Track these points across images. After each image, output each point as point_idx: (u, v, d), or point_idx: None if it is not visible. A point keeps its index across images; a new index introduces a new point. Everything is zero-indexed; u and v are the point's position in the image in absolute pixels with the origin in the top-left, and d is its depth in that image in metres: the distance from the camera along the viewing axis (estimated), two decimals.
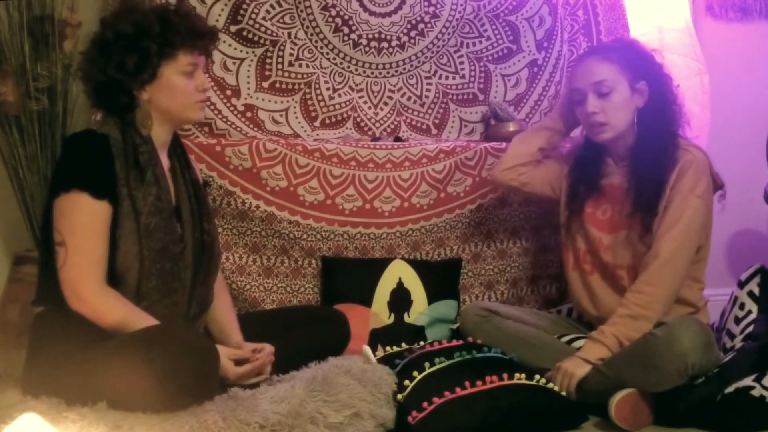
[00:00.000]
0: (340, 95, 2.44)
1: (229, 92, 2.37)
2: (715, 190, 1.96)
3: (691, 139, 2.00)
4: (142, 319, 1.54)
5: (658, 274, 1.85)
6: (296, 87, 2.41)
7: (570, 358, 1.84)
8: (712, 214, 1.96)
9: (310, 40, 2.42)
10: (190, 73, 1.66)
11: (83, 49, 1.68)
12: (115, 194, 1.57)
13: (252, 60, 2.38)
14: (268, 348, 1.70)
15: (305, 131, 2.42)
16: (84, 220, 1.55)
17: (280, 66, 2.39)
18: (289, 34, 2.40)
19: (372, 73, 2.47)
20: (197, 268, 1.68)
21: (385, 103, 2.49)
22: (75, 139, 1.64)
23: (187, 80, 1.65)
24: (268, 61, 2.38)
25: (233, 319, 1.79)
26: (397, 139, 2.41)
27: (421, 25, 2.48)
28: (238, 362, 1.65)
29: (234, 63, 2.37)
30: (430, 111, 2.51)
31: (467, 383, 1.71)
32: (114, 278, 1.57)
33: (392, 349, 1.99)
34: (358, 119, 2.45)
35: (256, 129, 2.38)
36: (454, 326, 2.14)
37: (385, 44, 2.46)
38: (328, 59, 2.44)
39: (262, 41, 2.37)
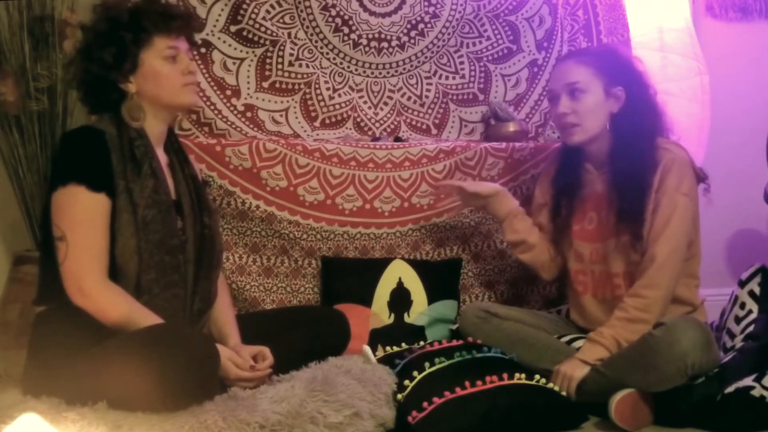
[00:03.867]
0: (340, 95, 2.44)
1: (229, 92, 2.37)
2: (698, 183, 1.95)
3: (678, 139, 1.99)
4: (144, 316, 1.54)
5: (655, 278, 1.85)
6: (296, 87, 2.41)
7: (568, 361, 1.84)
8: (698, 208, 1.95)
9: (310, 40, 2.42)
10: (173, 58, 1.67)
11: (70, 58, 1.73)
12: (112, 187, 1.58)
13: (252, 60, 2.38)
14: (269, 360, 1.70)
15: (305, 131, 2.42)
16: (83, 214, 1.55)
17: (280, 66, 2.39)
18: (289, 34, 2.40)
19: (372, 73, 2.47)
20: (199, 262, 1.68)
21: (385, 103, 2.49)
22: (71, 135, 1.65)
23: (171, 65, 1.67)
24: (268, 61, 2.38)
25: (232, 319, 1.79)
26: (397, 139, 2.41)
27: (421, 25, 2.48)
28: (239, 366, 1.65)
29: (234, 63, 2.37)
30: (430, 111, 2.51)
31: (467, 383, 1.70)
32: (113, 271, 1.57)
33: (392, 349, 1.98)
34: (358, 119, 2.45)
35: (256, 129, 2.38)
36: (454, 326, 2.13)
37: (385, 44, 2.46)
38: (328, 59, 2.44)
39: (262, 41, 2.37)
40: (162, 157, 1.70)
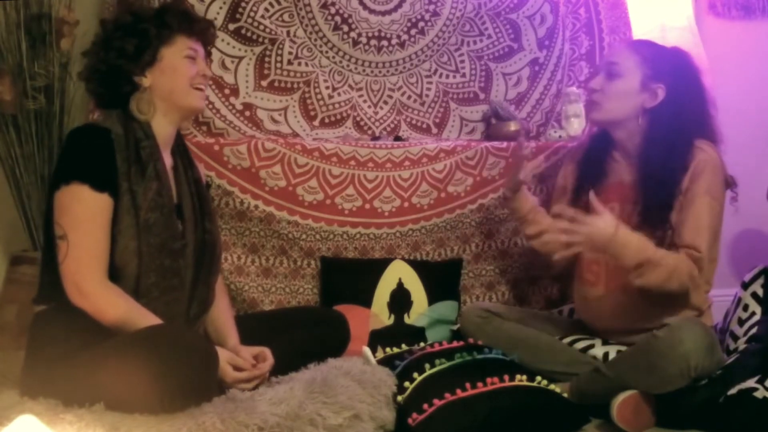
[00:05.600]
0: (339, 94, 2.43)
1: (227, 91, 2.35)
2: (726, 189, 1.92)
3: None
4: (143, 317, 1.53)
5: (705, 269, 1.82)
6: (295, 86, 2.40)
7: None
8: (722, 215, 1.93)
9: (309, 39, 2.41)
10: (192, 59, 1.69)
11: (86, 49, 1.72)
12: (115, 187, 1.57)
13: (251, 58, 2.37)
14: (269, 361, 1.69)
15: (304, 130, 2.40)
16: (85, 213, 1.54)
17: (279, 64, 2.38)
18: (288, 32, 2.39)
19: (372, 71, 2.46)
20: (198, 268, 1.68)
21: (385, 102, 2.47)
22: (76, 132, 1.64)
23: (190, 63, 1.69)
24: (266, 59, 2.37)
25: (230, 321, 1.78)
26: (397, 139, 2.39)
27: (421, 24, 2.47)
28: (237, 368, 1.64)
29: (232, 61, 2.35)
30: (430, 110, 2.50)
31: (468, 385, 1.69)
32: (113, 273, 1.56)
33: (392, 350, 1.98)
34: (358, 118, 2.44)
35: (254, 128, 2.36)
36: (455, 327, 2.12)
37: (384, 42, 2.45)
38: (328, 58, 2.42)
39: (260, 39, 2.36)
40: (167, 160, 1.70)
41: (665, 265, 1.77)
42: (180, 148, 1.76)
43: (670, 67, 1.92)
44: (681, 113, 1.89)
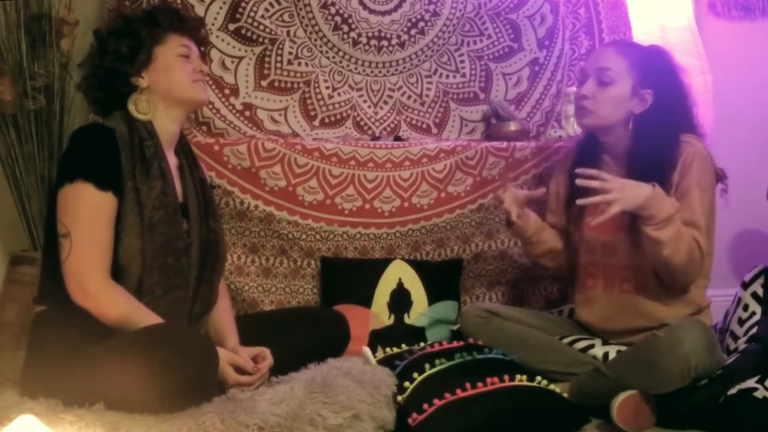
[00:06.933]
0: (339, 94, 2.42)
1: (227, 91, 2.35)
2: (717, 182, 1.93)
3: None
4: (145, 317, 1.53)
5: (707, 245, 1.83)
6: (295, 86, 2.40)
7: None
8: (714, 207, 1.93)
9: (309, 39, 2.41)
10: (186, 57, 1.71)
11: (82, 61, 1.73)
12: (120, 186, 1.58)
13: (251, 58, 2.36)
14: (269, 360, 1.69)
15: (304, 130, 2.40)
16: (89, 212, 1.55)
17: (279, 64, 2.38)
18: (288, 32, 2.39)
19: (372, 71, 2.46)
20: (203, 267, 1.68)
21: (385, 102, 2.47)
22: (81, 132, 1.65)
23: (184, 61, 1.70)
24: (266, 59, 2.37)
25: (231, 322, 1.78)
26: (397, 139, 2.39)
27: (421, 24, 2.47)
28: (237, 369, 1.64)
29: (232, 62, 2.35)
30: (430, 110, 2.50)
31: (468, 385, 1.69)
32: (116, 272, 1.57)
33: (392, 350, 1.98)
34: (358, 118, 2.44)
35: (254, 128, 2.36)
36: (455, 327, 2.12)
37: (384, 42, 2.45)
38: (328, 58, 2.42)
39: (260, 39, 2.36)
40: (172, 160, 1.71)
41: (682, 227, 1.78)
42: (185, 148, 1.77)
43: (656, 70, 1.93)
44: (667, 114, 1.90)
